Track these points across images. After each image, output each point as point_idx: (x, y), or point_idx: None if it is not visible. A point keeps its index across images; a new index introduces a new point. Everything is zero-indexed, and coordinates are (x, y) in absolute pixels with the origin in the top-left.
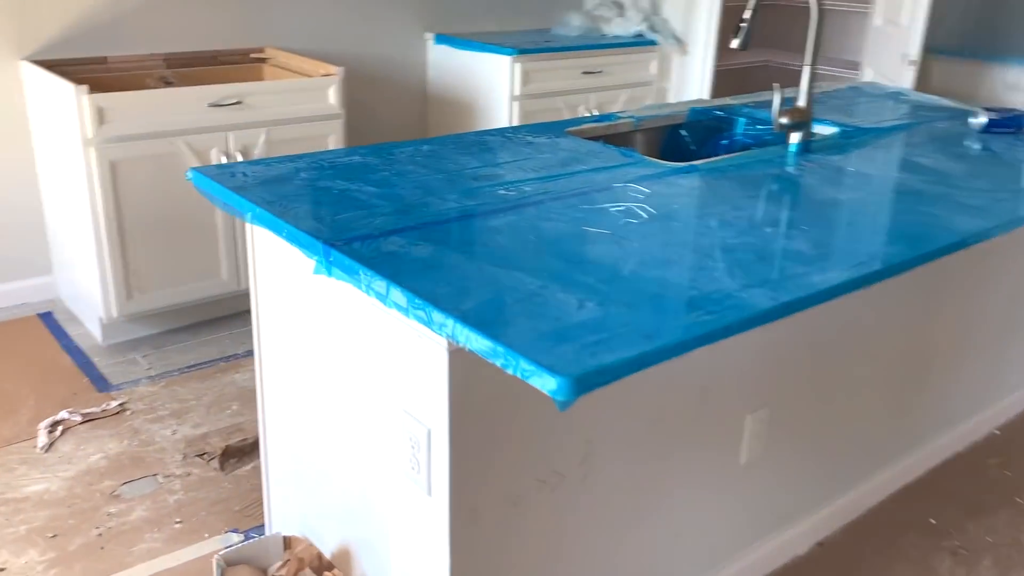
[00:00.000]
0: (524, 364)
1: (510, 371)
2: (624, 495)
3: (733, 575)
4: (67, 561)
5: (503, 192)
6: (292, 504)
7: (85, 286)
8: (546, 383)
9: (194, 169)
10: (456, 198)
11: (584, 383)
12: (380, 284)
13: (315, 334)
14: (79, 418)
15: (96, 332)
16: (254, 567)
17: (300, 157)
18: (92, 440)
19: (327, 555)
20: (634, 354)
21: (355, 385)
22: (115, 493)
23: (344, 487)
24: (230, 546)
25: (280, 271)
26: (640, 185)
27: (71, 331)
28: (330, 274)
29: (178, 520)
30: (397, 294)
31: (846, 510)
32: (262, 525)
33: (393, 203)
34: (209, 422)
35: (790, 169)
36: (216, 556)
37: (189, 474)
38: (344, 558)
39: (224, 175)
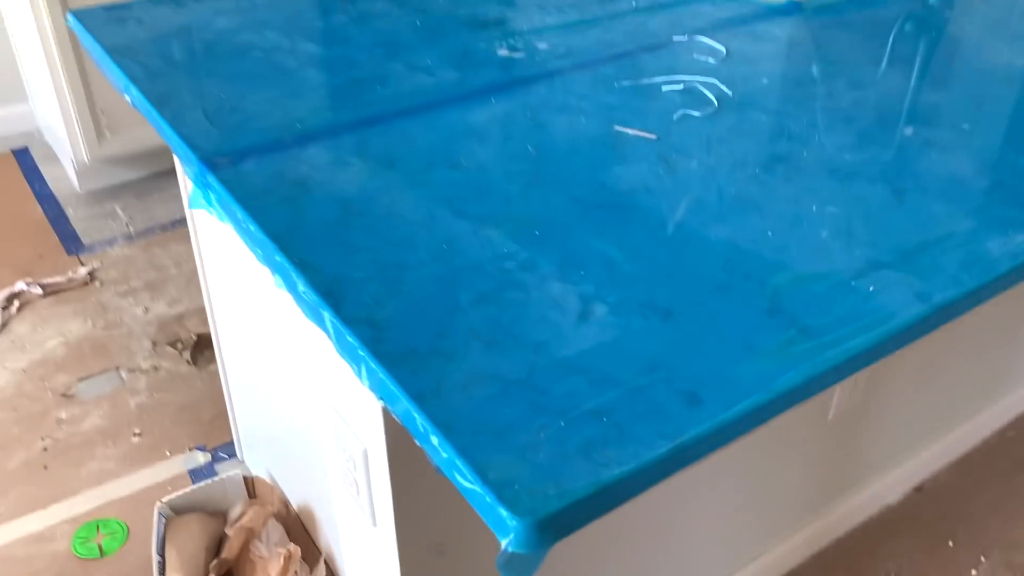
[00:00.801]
0: (461, 473)
1: (440, 469)
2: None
3: (813, 535)
4: (2, 485)
5: (504, 53)
6: (257, 432)
7: (54, 124)
8: (495, 522)
9: (74, 12)
10: (431, 65)
11: (560, 527)
12: (267, 247)
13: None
14: (39, 291)
15: (72, 176)
16: (207, 514)
17: None
18: (52, 319)
19: (294, 506)
20: (665, 450)
21: (291, 348)
22: (69, 392)
23: (301, 449)
24: (194, 469)
25: None
26: (714, 39)
27: (47, 173)
28: (210, 208)
29: (137, 432)
30: (285, 270)
31: (950, 449)
32: (232, 442)
33: (334, 76)
34: (188, 297)
35: (936, 4)
36: (159, 504)
37: (157, 369)
38: (309, 517)
39: (110, 23)
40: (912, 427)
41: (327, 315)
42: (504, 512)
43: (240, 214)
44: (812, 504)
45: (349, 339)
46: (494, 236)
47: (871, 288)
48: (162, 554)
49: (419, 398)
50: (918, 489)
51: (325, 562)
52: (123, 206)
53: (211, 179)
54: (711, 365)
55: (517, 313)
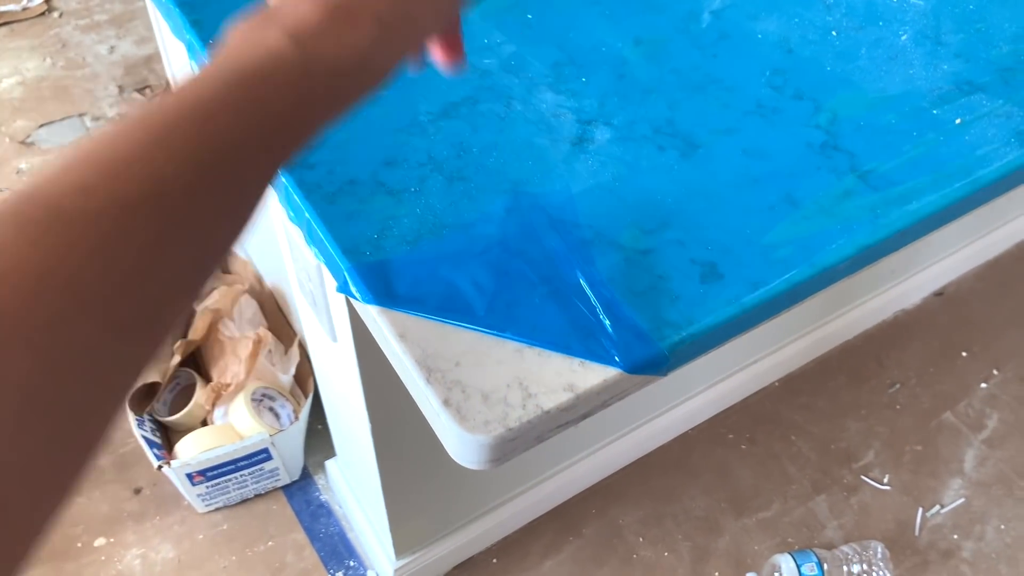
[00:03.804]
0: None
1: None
2: None
3: (819, 338)
4: None
5: None
6: None
7: None
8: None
9: None
10: None
11: None
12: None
13: None
14: None
15: None
16: None
17: None
18: (7, 54)
19: (268, 283)
20: (667, 344)
21: None
22: (29, 140)
23: (267, 225)
24: None
25: None
26: None
27: None
28: None
29: None
30: (183, 35)
31: (978, 254)
32: None
33: None
34: (155, 34)
35: None
36: None
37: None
38: (282, 296)
39: None
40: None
41: None
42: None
43: None
44: (821, 305)
45: None
46: (474, 19)
47: (958, 120)
48: None
49: (352, 254)
50: (938, 294)
51: (300, 344)
52: None
53: None
54: (740, 224)
55: (493, 135)
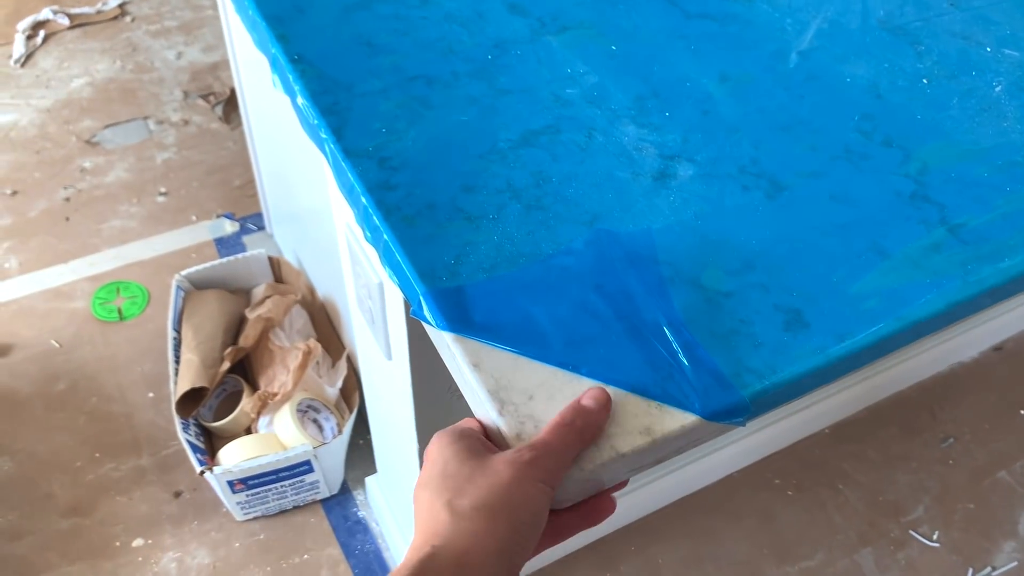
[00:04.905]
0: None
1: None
2: None
3: (872, 386)
4: (24, 232)
5: None
6: (284, 209)
7: None
8: None
9: None
10: None
11: None
12: (262, 31)
13: None
14: (67, 21)
15: None
16: (227, 292)
17: None
18: (79, 55)
19: (320, 294)
20: (748, 393)
21: None
22: (94, 139)
23: (325, 241)
24: (221, 238)
25: None
26: None
27: None
28: None
29: (163, 190)
30: (282, 68)
31: None
32: (261, 213)
33: None
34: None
35: None
36: (177, 277)
37: (187, 123)
38: (333, 309)
39: None
40: None
41: (326, 140)
42: None
43: None
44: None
45: (351, 178)
46: (557, 48)
47: None
48: (178, 330)
49: (428, 278)
50: (997, 349)
51: (348, 358)
52: None
53: None
54: (826, 271)
55: (573, 166)
